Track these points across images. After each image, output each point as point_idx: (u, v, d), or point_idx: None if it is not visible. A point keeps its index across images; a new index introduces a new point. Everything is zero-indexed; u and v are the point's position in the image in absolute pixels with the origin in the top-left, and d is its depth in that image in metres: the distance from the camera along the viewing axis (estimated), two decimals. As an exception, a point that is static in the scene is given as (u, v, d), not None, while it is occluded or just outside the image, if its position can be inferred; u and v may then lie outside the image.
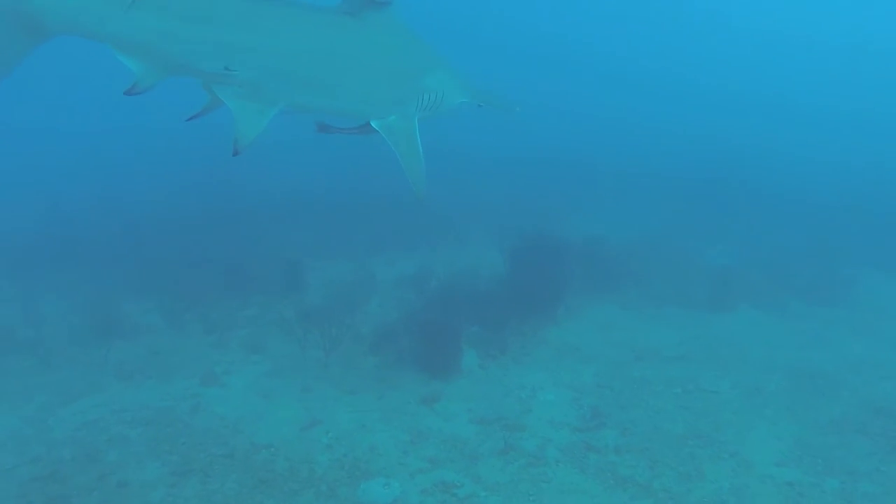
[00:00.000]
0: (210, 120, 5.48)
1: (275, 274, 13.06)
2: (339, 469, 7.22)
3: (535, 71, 45.14)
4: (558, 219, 16.68)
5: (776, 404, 8.44)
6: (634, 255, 13.28)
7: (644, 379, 9.17)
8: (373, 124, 5.59)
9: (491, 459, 7.39)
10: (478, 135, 25.49)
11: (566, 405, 8.59)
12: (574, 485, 6.93)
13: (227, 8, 4.65)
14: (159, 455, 7.51)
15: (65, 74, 36.16)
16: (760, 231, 16.15)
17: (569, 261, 11.76)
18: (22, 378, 9.51)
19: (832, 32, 55.40)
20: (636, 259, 13.08)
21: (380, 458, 7.48)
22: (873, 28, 54.75)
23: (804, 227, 16.19)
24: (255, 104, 4.82)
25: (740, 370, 9.36)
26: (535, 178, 20.95)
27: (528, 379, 9.26)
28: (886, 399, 8.60)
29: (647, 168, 22.38)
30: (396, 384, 9.24)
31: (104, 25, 4.32)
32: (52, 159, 24.86)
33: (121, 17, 4.25)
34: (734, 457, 7.34)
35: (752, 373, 9.27)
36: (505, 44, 53.08)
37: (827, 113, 35.44)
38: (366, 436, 7.91)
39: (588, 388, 9.01)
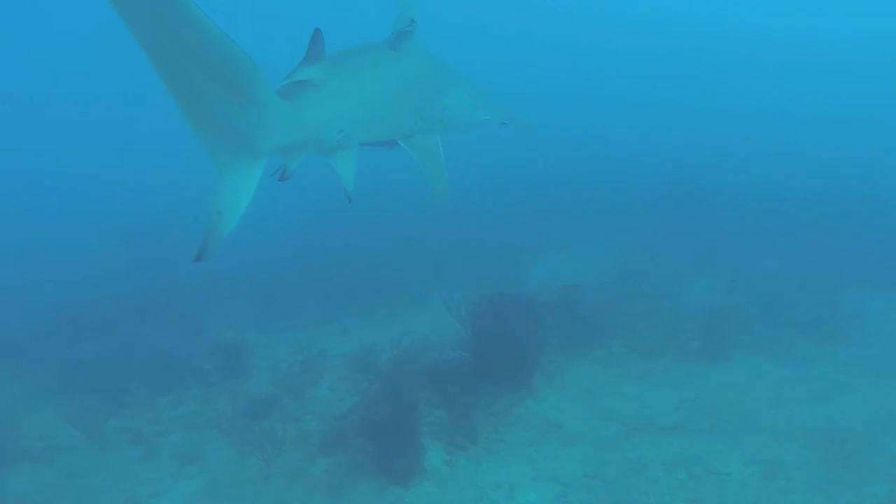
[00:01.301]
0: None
1: (213, 360, 11.53)
2: None
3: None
4: (523, 263, 15.40)
5: (803, 485, 6.99)
6: (613, 300, 11.90)
7: (640, 462, 7.70)
8: (400, 143, 5.76)
9: None
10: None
11: (551, 506, 7.12)
12: None
13: (341, 75, 4.79)
14: None
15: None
16: (745, 255, 14.85)
17: (540, 316, 10.33)
18: None
19: (801, 35, 54.80)
20: (615, 305, 11.68)
21: None
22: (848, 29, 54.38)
23: (791, 247, 14.91)
24: (343, 152, 5.01)
25: (752, 439, 7.92)
26: (491, 212, 19.54)
27: (505, 474, 7.77)
28: (931, 464, 7.21)
29: (607, 190, 20.87)
30: (349, 495, 7.76)
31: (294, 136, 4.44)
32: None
33: (300, 123, 4.41)
34: (765, 570, 5.89)
35: (766, 441, 7.84)
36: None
37: (801, 111, 33.39)
38: (310, 577, 6.39)
39: (575, 480, 7.53)
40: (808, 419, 8.27)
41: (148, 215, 21.61)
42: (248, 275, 15.83)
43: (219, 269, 16.20)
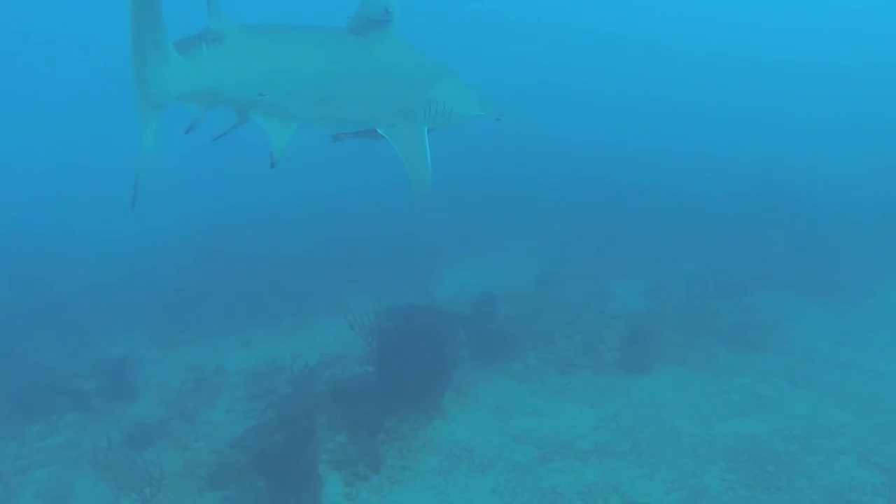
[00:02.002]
0: None
1: (96, 379, 10.48)
2: None
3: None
4: (439, 267, 14.78)
5: (726, 514, 6.56)
6: (529, 308, 11.35)
7: (556, 491, 7.13)
8: (380, 131, 5.90)
9: None
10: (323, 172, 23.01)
11: (459, 546, 6.48)
12: None
13: (261, 39, 5.12)
14: None
15: None
16: (666, 257, 14.61)
17: (452, 328, 9.67)
18: None
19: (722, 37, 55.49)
20: (532, 314, 11.14)
21: None
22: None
23: (710, 247, 14.76)
24: (280, 120, 5.28)
25: (674, 462, 7.46)
26: (412, 212, 18.89)
27: (410, 508, 7.11)
28: (852, 486, 6.87)
29: (530, 189, 20.42)
30: (236, 537, 6.94)
31: (193, 86, 4.73)
32: None
33: (199, 75, 4.72)
34: None
35: (688, 465, 7.38)
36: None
37: (726, 113, 33.19)
38: None
39: (486, 514, 6.93)
40: (729, 438, 7.87)
41: (26, 235, 19.89)
42: (146, 283, 14.72)
43: (112, 279, 15.07)
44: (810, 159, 22.74)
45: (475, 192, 20.31)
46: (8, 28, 49.56)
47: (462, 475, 7.56)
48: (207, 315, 13.11)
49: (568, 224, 16.77)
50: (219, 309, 13.31)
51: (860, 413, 8.24)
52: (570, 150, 25.30)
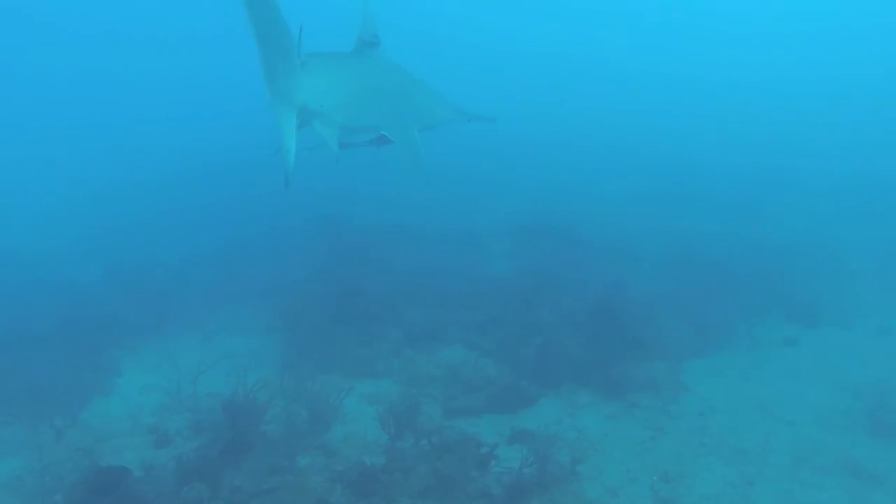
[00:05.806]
0: None
1: None
2: None
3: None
4: (101, 370, 10.45)
5: None
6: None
7: None
8: (386, 135, 7.09)
9: None
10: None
11: None
12: None
13: (328, 65, 6.74)
14: None
15: None
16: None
17: None
18: None
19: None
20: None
21: None
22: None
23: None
24: (326, 129, 6.48)
25: None
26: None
27: None
28: None
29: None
30: None
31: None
32: None
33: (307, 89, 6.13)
34: None
35: None
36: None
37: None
38: None
39: None
40: None
41: None
42: None
43: None
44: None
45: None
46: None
47: None
48: None
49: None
50: None
51: None
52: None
